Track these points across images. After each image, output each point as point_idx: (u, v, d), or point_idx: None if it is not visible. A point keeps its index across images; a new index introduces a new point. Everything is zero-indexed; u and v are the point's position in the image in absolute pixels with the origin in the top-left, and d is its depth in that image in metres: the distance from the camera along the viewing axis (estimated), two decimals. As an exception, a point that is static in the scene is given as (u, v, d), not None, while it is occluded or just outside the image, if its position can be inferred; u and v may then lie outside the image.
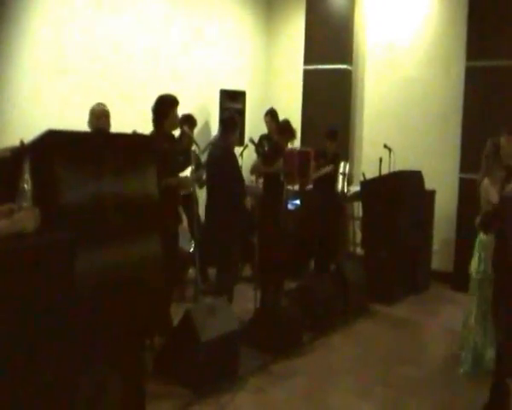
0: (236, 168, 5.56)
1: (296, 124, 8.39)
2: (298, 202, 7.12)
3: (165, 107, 4.64)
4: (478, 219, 4.74)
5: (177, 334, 4.36)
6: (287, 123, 6.05)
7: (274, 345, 4.93)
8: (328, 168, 6.71)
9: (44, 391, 2.49)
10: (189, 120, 6.50)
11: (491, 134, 6.51)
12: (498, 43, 6.92)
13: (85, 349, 2.76)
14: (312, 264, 7.12)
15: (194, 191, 5.02)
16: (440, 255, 7.55)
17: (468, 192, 7.16)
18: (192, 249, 5.60)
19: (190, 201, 5.29)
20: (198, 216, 5.37)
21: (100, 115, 4.85)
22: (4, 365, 2.30)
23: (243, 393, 4.28)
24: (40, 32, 5.77)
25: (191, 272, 5.39)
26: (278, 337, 4.98)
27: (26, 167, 2.53)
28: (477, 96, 7.13)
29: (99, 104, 4.93)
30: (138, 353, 3.38)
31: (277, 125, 6.30)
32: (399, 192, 6.70)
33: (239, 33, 8.57)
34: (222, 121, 6.17)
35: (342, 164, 6.81)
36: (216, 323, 4.33)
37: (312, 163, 6.11)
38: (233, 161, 5.54)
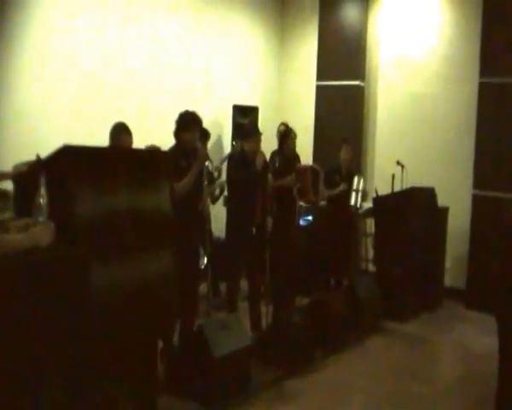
0: (237, 179, 5.44)
1: (309, 139, 8.39)
2: (310, 218, 7.11)
3: (183, 123, 4.64)
4: None
5: (190, 349, 4.36)
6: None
7: (285, 361, 4.91)
8: (342, 187, 6.61)
9: (55, 406, 2.50)
10: (202, 134, 6.49)
11: (504, 151, 6.51)
12: (512, 60, 6.92)
13: (98, 364, 2.77)
14: (324, 280, 7.08)
15: (207, 206, 5.03)
16: (453, 273, 7.50)
17: (481, 209, 7.15)
18: (204, 264, 5.60)
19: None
20: (210, 231, 5.37)
21: (122, 132, 4.83)
22: (17, 378, 2.32)
23: (254, 409, 4.26)
24: (50, 44, 5.78)
25: (203, 286, 5.38)
26: (290, 353, 4.96)
27: (43, 182, 2.56)
28: (490, 112, 7.11)
29: (120, 122, 4.90)
30: (150, 367, 3.39)
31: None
32: (412, 209, 6.68)
33: (252, 49, 8.62)
34: None
35: (356, 179, 6.77)
36: (228, 338, 4.33)
37: (321, 182, 6.06)
38: (235, 170, 5.46)
